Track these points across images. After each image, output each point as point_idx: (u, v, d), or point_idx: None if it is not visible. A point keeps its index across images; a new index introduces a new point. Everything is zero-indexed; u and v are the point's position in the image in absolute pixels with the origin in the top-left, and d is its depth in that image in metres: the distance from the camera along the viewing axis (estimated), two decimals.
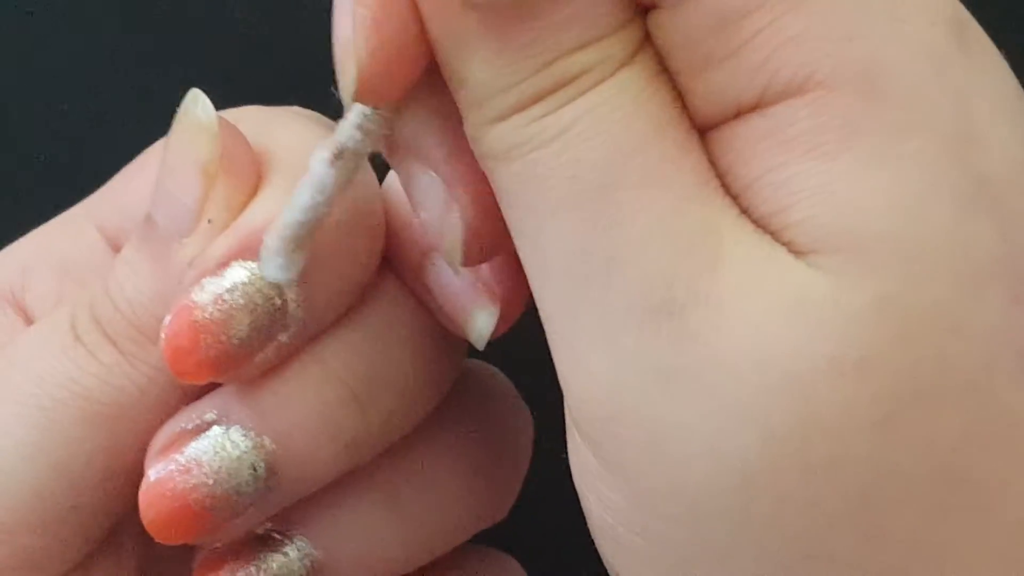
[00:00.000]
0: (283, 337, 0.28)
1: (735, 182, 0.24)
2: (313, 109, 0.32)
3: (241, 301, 0.27)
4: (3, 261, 0.33)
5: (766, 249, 0.23)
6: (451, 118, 0.25)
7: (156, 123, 0.30)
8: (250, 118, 0.30)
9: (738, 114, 0.24)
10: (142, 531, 0.29)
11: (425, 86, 0.25)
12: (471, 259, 0.26)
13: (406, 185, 0.26)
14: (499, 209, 0.25)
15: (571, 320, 0.24)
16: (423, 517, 0.30)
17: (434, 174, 0.26)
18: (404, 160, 0.26)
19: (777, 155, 0.23)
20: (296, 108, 0.32)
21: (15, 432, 0.28)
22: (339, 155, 0.26)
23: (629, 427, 0.23)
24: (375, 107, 0.25)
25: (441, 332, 0.30)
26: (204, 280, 0.27)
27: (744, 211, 0.24)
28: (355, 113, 0.25)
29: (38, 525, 0.29)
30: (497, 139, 0.24)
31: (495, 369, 0.33)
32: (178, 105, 0.29)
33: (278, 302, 0.27)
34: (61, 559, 0.29)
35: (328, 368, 0.28)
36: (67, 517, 0.29)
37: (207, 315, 0.27)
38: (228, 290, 0.27)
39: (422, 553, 0.31)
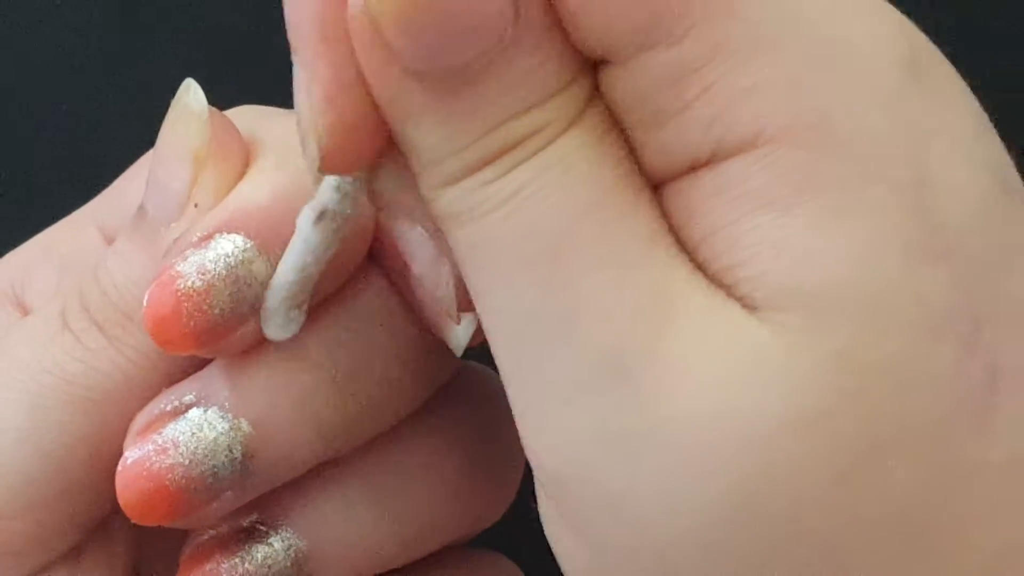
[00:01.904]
0: None
1: (690, 237, 0.24)
2: None
3: (224, 272, 0.27)
4: (8, 262, 0.34)
5: (719, 307, 0.23)
6: None
7: (158, 124, 0.30)
8: (245, 115, 0.31)
9: (692, 168, 0.23)
10: (135, 525, 0.29)
11: (396, 146, 0.25)
12: (465, 308, 0.26)
13: (397, 240, 0.27)
14: None
15: (526, 381, 0.24)
16: (410, 511, 0.30)
17: (420, 229, 0.26)
18: (391, 216, 0.27)
19: (732, 210, 0.23)
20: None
21: (2, 418, 0.29)
22: (321, 216, 0.26)
23: (587, 488, 0.23)
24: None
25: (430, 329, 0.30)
26: (188, 251, 0.28)
27: (699, 266, 0.23)
28: (332, 176, 0.26)
29: (24, 511, 0.29)
30: (449, 202, 0.24)
31: (494, 373, 0.33)
32: None
33: (260, 276, 0.28)
34: (48, 546, 0.29)
35: (308, 353, 0.28)
36: (54, 503, 0.29)
37: (189, 284, 0.27)
38: (211, 260, 0.27)
39: (410, 548, 0.30)
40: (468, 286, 0.25)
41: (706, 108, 0.23)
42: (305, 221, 0.26)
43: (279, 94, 0.32)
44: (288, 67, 0.37)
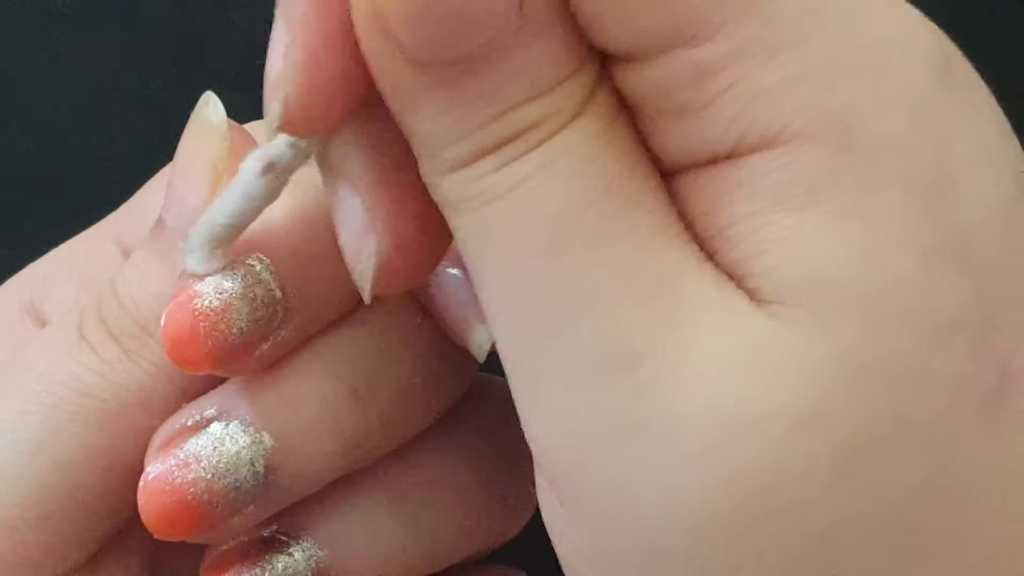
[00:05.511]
0: (284, 333, 0.28)
1: (705, 228, 0.24)
2: None
3: (240, 290, 0.27)
4: (26, 276, 0.33)
5: (727, 299, 0.23)
6: (382, 148, 0.25)
7: (171, 136, 0.30)
8: (263, 129, 0.30)
9: (711, 162, 0.23)
10: (149, 536, 0.29)
11: (359, 115, 0.25)
12: (380, 289, 0.26)
13: (331, 204, 0.26)
14: (416, 246, 0.25)
15: (529, 368, 0.24)
16: (430, 522, 0.30)
17: (358, 199, 0.26)
18: (333, 180, 0.26)
19: (748, 205, 0.23)
20: None
21: (17, 428, 0.29)
22: (268, 168, 0.26)
23: (588, 475, 0.23)
24: None
25: (448, 340, 0.30)
26: None
27: (711, 256, 0.23)
28: None
29: (39, 522, 0.29)
30: (450, 190, 0.24)
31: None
32: (183, 114, 0.29)
33: (277, 294, 0.27)
34: (63, 558, 0.29)
35: (329, 365, 0.28)
36: (69, 515, 0.29)
37: (207, 304, 0.27)
38: (228, 279, 0.27)
39: (429, 560, 0.30)
40: (470, 272, 0.25)
41: (730, 104, 0.23)
42: (249, 171, 0.26)
43: None
44: None
